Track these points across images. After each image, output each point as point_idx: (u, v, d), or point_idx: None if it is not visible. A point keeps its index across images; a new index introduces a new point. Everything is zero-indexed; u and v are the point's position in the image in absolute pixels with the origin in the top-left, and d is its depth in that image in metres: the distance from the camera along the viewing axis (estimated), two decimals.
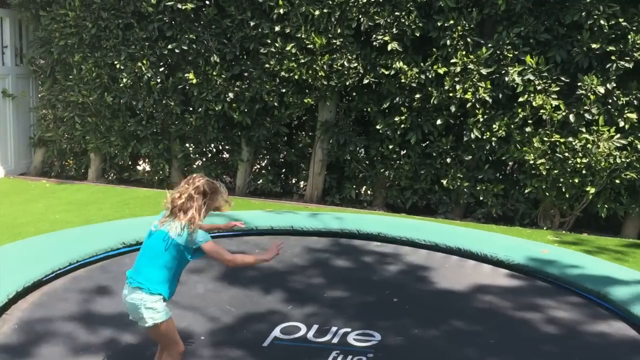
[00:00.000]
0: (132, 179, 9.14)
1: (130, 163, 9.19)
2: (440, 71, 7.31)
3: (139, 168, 9.40)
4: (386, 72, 7.51)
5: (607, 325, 3.91)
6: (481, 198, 7.57)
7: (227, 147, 8.80)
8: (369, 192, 8.54)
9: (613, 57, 6.75)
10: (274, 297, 4.39)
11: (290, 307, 4.22)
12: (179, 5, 7.91)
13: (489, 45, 7.14)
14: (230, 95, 8.08)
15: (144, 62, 8.26)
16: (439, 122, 7.46)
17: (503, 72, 7.13)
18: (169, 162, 8.91)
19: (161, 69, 8.48)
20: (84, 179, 9.22)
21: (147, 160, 9.22)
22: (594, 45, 6.76)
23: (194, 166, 8.82)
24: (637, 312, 3.88)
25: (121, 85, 8.44)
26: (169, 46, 8.19)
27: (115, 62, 8.42)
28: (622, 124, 6.80)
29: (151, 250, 2.97)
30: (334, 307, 4.23)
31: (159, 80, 8.35)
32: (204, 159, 8.88)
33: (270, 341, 3.74)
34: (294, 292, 4.48)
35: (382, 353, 3.58)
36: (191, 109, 8.56)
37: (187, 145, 8.85)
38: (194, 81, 8.11)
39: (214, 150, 9.00)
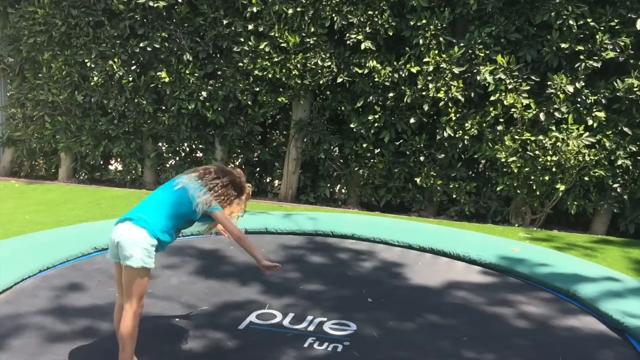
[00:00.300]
0: (103, 179, 9.03)
1: (101, 162, 9.09)
2: (413, 70, 7.36)
3: (111, 168, 9.29)
4: (360, 71, 7.53)
5: (576, 320, 3.99)
6: (454, 196, 7.64)
7: (200, 146, 8.74)
8: (343, 190, 8.56)
9: (582, 57, 6.87)
10: (251, 289, 4.42)
11: (266, 297, 4.27)
12: (151, 3, 7.83)
13: (461, 44, 7.21)
14: (204, 94, 8.03)
15: (115, 60, 8.16)
16: (412, 120, 7.51)
17: (475, 71, 7.20)
18: (141, 162, 8.82)
19: (133, 68, 8.39)
20: (54, 178, 9.08)
21: (119, 159, 9.11)
22: (563, 45, 6.86)
23: (167, 165, 8.75)
24: (605, 309, 3.97)
25: (92, 83, 8.33)
26: (141, 44, 8.11)
27: (86, 61, 8.30)
28: (590, 122, 6.92)
29: (166, 201, 3.11)
30: (311, 299, 4.27)
31: (130, 79, 8.26)
32: (177, 158, 8.81)
33: (245, 325, 3.80)
34: (270, 285, 4.51)
35: (357, 342, 3.62)
36: (164, 107, 8.48)
37: (160, 144, 8.78)
38: (167, 80, 8.03)
39: (187, 149, 8.94)
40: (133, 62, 8.40)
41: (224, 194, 3.22)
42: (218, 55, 8.24)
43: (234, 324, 3.80)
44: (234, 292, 4.36)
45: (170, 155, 8.79)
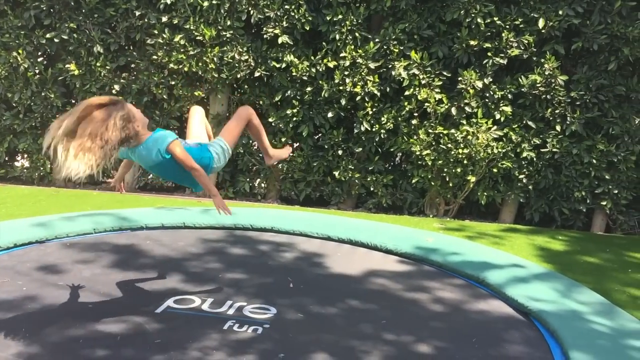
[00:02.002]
0: (9, 177, 8.56)
1: (7, 159, 8.60)
2: (331, 65, 7.44)
3: (17, 164, 8.81)
4: (277, 65, 7.53)
5: (486, 304, 4.19)
6: (372, 189, 7.80)
7: None
8: (263, 185, 8.54)
9: (489, 54, 7.18)
10: (169, 279, 4.37)
11: (185, 284, 4.25)
12: None
13: (376, 40, 7.36)
14: (116, 87, 7.77)
15: (20, 52, 7.74)
16: (330, 115, 7.59)
17: (390, 66, 7.37)
18: (49, 158, 8.41)
19: (39, 60, 8.01)
20: None
21: (25, 156, 8.66)
22: (472, 42, 7.15)
23: None
24: (512, 294, 4.19)
25: None
26: (48, 35, 7.74)
27: None
28: (498, 116, 7.26)
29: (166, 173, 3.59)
30: (231, 286, 4.27)
31: (37, 71, 7.89)
32: None
33: (163, 309, 3.77)
34: (189, 275, 4.46)
35: (278, 325, 3.65)
36: (73, 101, 8.14)
37: None
38: (76, 72, 7.72)
39: None
40: (39, 53, 8.00)
41: (128, 127, 3.23)
42: (131, 48, 8.00)
43: (151, 309, 3.76)
44: (150, 281, 4.30)
45: None
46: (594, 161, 7.21)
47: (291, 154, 3.71)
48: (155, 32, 7.60)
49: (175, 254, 4.95)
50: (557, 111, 7.19)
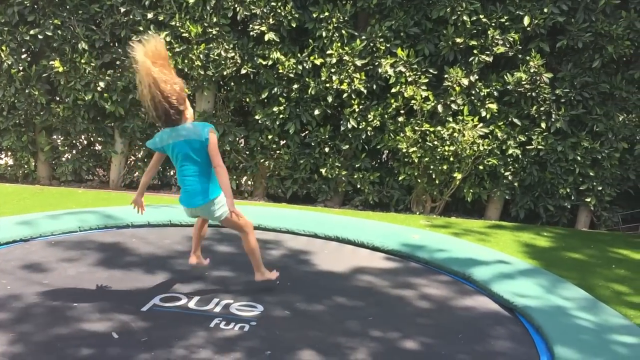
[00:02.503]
0: None
1: None
2: (317, 62, 7.44)
3: (1, 162, 8.72)
4: (264, 63, 7.51)
5: (472, 300, 4.21)
6: (358, 186, 7.81)
7: (99, 138, 8.39)
8: (249, 182, 8.52)
9: (475, 51, 7.21)
10: (155, 276, 4.34)
11: (171, 282, 4.22)
12: None
13: (363, 37, 7.36)
14: (101, 84, 7.71)
15: (4, 48, 7.66)
16: (316, 112, 7.59)
17: (376, 63, 7.38)
18: (34, 155, 8.35)
19: (23, 56, 7.93)
20: None
21: (9, 153, 8.57)
22: (458, 40, 7.18)
23: (63, 159, 8.34)
24: (497, 290, 4.22)
25: None
26: (32, 32, 7.66)
27: None
28: (484, 113, 7.30)
29: (198, 167, 3.71)
30: (218, 284, 4.26)
31: (21, 68, 7.81)
32: (74, 152, 8.41)
33: (149, 307, 3.75)
34: (176, 273, 4.44)
35: (265, 322, 3.64)
36: (58, 98, 8.07)
37: (55, 137, 8.35)
38: (61, 69, 7.65)
39: (85, 142, 8.55)
40: (23, 50, 7.91)
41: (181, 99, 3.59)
42: (116, 45, 7.94)
43: (137, 307, 3.74)
44: (136, 279, 4.27)
45: (66, 148, 8.37)
46: (579, 158, 7.28)
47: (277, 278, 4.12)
48: (141, 28, 7.55)
49: (161, 252, 4.93)
50: (542, 108, 7.24)
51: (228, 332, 3.48)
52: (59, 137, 8.35)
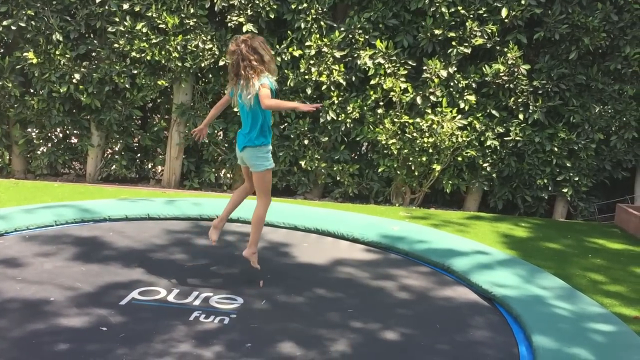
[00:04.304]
0: None
1: None
2: (296, 54, 7.40)
3: None
4: None
5: (451, 291, 4.25)
6: (338, 178, 7.81)
7: (75, 131, 8.26)
8: (228, 175, 8.47)
9: (453, 43, 7.23)
10: (133, 270, 4.30)
11: (150, 276, 4.19)
12: None
13: (342, 29, 7.34)
14: (77, 76, 7.59)
15: None
16: None
17: (355, 55, 7.37)
18: (8, 149, 8.20)
19: None
20: None
21: None
22: (436, 32, 7.19)
23: (38, 152, 8.20)
24: (476, 280, 4.25)
25: None
26: (4, 22, 7.50)
27: None
28: (462, 105, 7.33)
29: (254, 121, 4.02)
30: (197, 277, 4.24)
31: None
32: (50, 145, 8.27)
33: (127, 301, 3.73)
34: (154, 266, 4.41)
35: (245, 315, 3.63)
36: (32, 91, 7.93)
37: (29, 130, 8.20)
38: (34, 61, 7.51)
39: (61, 135, 8.42)
40: None
41: (254, 68, 3.85)
42: (91, 36, 7.81)
43: (115, 301, 3.71)
44: (114, 273, 4.23)
45: (41, 141, 8.23)
46: (556, 149, 7.36)
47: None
48: (117, 19, 7.44)
49: (139, 245, 4.88)
50: (519, 100, 7.29)
51: (208, 325, 3.46)
52: (34, 130, 8.21)
